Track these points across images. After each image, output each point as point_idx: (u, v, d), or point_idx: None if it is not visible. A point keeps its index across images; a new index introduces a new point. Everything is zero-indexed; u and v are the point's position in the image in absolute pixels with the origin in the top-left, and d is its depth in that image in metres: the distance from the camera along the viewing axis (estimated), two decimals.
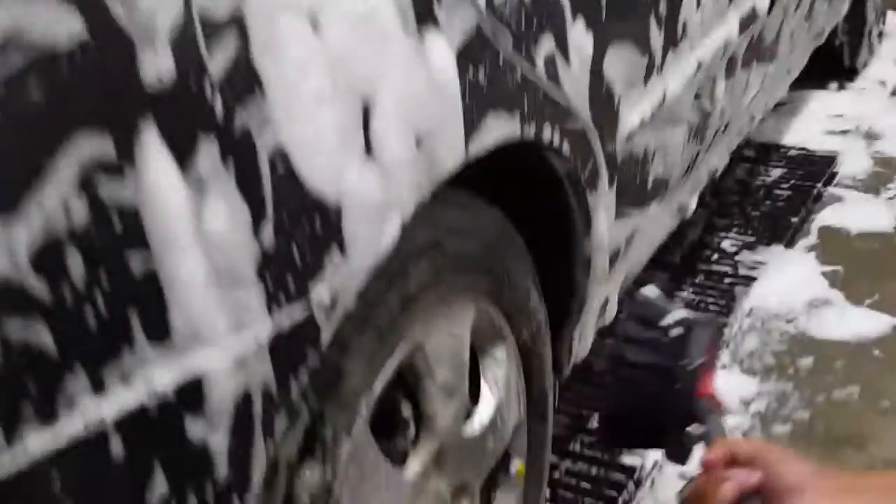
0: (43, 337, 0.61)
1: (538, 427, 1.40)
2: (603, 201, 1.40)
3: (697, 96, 1.77)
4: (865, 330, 2.13)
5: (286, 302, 0.77)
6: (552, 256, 1.42)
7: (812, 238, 2.58)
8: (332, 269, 0.81)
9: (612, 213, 1.47)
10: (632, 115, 1.47)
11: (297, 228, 0.77)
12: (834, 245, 2.53)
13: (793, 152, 3.09)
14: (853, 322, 2.17)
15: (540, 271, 1.36)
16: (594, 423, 1.95)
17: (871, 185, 2.84)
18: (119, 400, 0.66)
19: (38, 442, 0.61)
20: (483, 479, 1.26)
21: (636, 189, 1.60)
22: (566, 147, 1.23)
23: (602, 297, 1.60)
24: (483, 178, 1.13)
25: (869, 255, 2.47)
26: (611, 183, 1.44)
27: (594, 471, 1.83)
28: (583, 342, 1.57)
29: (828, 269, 2.42)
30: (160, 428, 0.70)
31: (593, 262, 1.45)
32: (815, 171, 2.95)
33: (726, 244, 2.58)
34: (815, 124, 3.26)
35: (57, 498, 0.63)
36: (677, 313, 0.95)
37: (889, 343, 2.09)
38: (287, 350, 0.78)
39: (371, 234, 0.85)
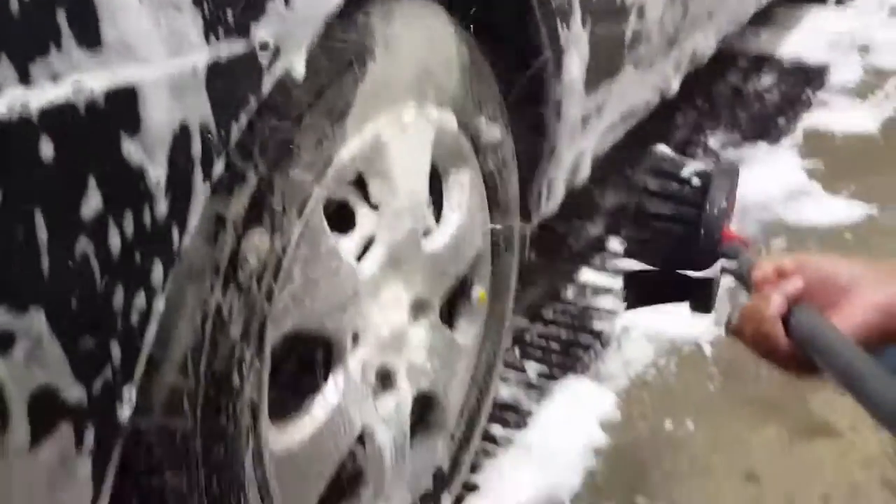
0: None
1: (503, 262, 1.42)
2: (575, 41, 1.41)
3: None
4: (839, 217, 2.16)
5: (224, 35, 0.79)
6: (524, 100, 1.44)
7: (797, 138, 2.59)
8: (276, 17, 0.83)
9: (584, 56, 1.48)
10: None
11: None
12: (817, 144, 2.55)
13: (785, 62, 3.10)
14: (828, 210, 2.19)
15: (511, 112, 1.37)
16: (568, 293, 1.99)
17: (860, 92, 2.85)
18: (46, 95, 0.68)
19: None
20: (443, 299, 1.29)
21: (612, 43, 1.61)
22: None
23: (574, 151, 1.62)
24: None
25: (850, 153, 2.49)
26: (584, 22, 1.45)
27: (564, 334, 1.87)
28: (552, 195, 1.59)
29: (809, 164, 2.44)
30: (92, 136, 0.72)
31: (564, 106, 1.47)
32: (807, 78, 2.96)
33: (712, 142, 2.60)
34: (809, 37, 3.27)
35: None
36: (694, 165, 0.94)
37: (861, 228, 2.12)
38: (226, 87, 0.80)
39: None
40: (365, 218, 1.13)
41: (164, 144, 0.77)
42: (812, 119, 2.69)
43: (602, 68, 1.58)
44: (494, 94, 1.32)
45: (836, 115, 2.70)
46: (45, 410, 0.75)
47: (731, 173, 0.93)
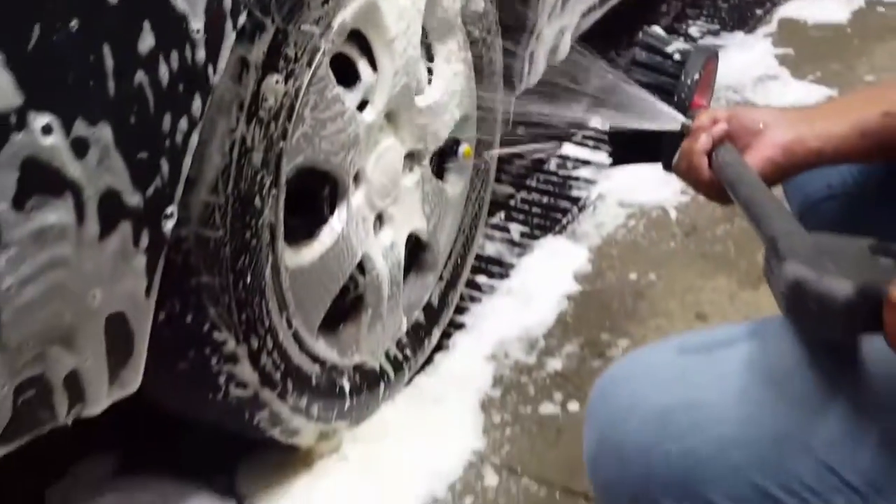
0: None
1: (487, 120, 1.61)
2: None
3: None
4: (803, 99, 2.33)
5: None
6: None
7: (772, 26, 2.75)
8: None
9: None
10: None
11: None
12: (790, 32, 2.71)
13: None
14: (793, 93, 2.36)
15: None
16: (550, 164, 2.17)
17: None
18: None
19: None
20: (434, 151, 1.48)
21: None
22: None
23: (555, 28, 1.79)
24: None
25: (820, 42, 2.65)
26: None
27: (545, 200, 2.06)
28: (533, 68, 1.77)
29: (780, 51, 2.60)
30: None
31: None
32: None
33: (693, 30, 2.75)
34: None
35: None
36: (680, 45, 1.07)
37: None
38: None
39: None
40: (365, 73, 1.31)
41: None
42: (787, 10, 2.84)
43: None
44: None
45: (809, 6, 2.85)
46: (111, 209, 0.94)
47: (709, 53, 1.06)
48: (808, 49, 2.59)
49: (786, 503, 0.74)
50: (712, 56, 1.07)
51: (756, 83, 2.43)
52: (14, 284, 0.88)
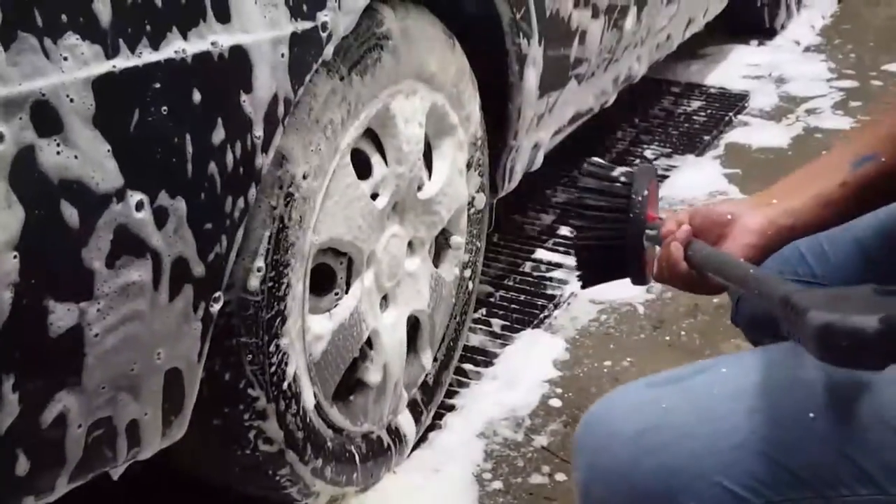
0: None
1: (477, 220, 1.79)
2: (533, 55, 1.80)
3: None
4: None
5: (303, 17, 1.16)
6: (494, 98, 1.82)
7: (720, 150, 3.01)
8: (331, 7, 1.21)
9: (539, 68, 1.87)
10: None
11: None
12: (737, 155, 2.97)
13: (712, 90, 3.53)
14: None
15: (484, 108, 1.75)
16: (525, 266, 2.36)
17: (775, 115, 3.29)
18: (194, 46, 1.04)
19: None
20: (432, 240, 1.65)
21: (560, 60, 2.00)
22: None
23: (532, 141, 2.00)
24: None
25: (765, 163, 2.91)
26: (540, 41, 1.84)
27: (523, 297, 2.24)
28: (513, 175, 1.97)
29: (729, 171, 2.85)
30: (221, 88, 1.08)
31: (523, 105, 1.85)
32: (729, 103, 3.39)
33: (648, 153, 3.00)
34: (734, 70, 3.70)
35: None
36: (621, 169, 1.14)
37: None
38: (302, 49, 1.17)
39: None
40: (378, 167, 1.49)
41: (263, 106, 1.14)
42: (733, 136, 3.11)
43: (551, 82, 1.97)
44: (474, 89, 1.70)
45: (753, 133, 3.12)
46: (180, 275, 1.10)
47: (652, 173, 1.14)
48: (753, 169, 2.85)
49: (753, 502, 0.86)
50: (654, 175, 1.14)
51: (708, 198, 2.66)
52: (100, 332, 1.02)
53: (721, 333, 2.08)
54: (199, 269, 1.12)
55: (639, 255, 1.07)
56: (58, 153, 0.92)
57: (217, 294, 1.16)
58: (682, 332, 2.11)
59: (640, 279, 1.10)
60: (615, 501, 0.91)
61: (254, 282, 1.25)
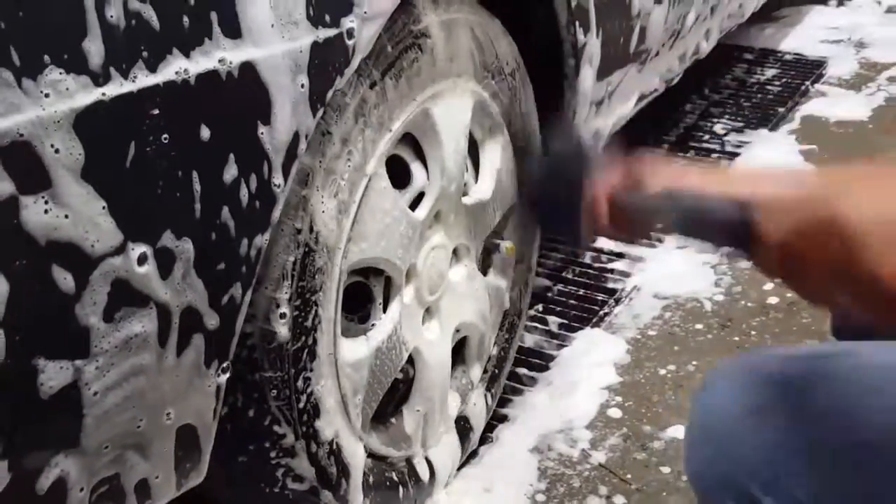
0: None
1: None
2: (590, 43, 1.66)
3: None
4: None
5: (325, 24, 1.03)
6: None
7: (795, 124, 2.82)
8: (358, 11, 1.08)
9: (597, 57, 1.72)
10: None
11: None
12: (813, 130, 2.78)
13: (787, 56, 3.32)
14: None
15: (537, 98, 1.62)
16: (585, 257, 2.23)
17: (855, 83, 3.07)
18: (199, 65, 0.92)
19: None
20: (479, 248, 1.53)
21: (620, 44, 1.85)
22: None
23: (590, 131, 1.86)
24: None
25: (843, 138, 2.71)
26: (598, 32, 1.69)
27: (582, 292, 2.10)
28: None
29: (805, 147, 2.66)
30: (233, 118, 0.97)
31: (579, 96, 1.71)
32: (806, 71, 3.18)
33: (718, 128, 2.83)
34: (810, 33, 3.49)
35: None
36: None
37: None
38: (324, 60, 1.04)
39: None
40: (418, 174, 1.37)
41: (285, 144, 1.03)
42: (810, 107, 2.92)
43: (611, 65, 1.83)
44: (527, 82, 1.56)
45: (831, 104, 2.92)
46: (189, 327, 0.99)
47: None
48: (831, 145, 2.66)
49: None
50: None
51: None
52: (100, 390, 0.92)
53: (794, 333, 1.93)
54: (212, 322, 1.01)
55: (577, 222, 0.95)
56: (45, 212, 0.82)
57: (219, 378, 1.06)
58: (753, 332, 1.96)
59: (575, 242, 1.00)
60: (720, 464, 0.90)
61: (276, 313, 1.14)
